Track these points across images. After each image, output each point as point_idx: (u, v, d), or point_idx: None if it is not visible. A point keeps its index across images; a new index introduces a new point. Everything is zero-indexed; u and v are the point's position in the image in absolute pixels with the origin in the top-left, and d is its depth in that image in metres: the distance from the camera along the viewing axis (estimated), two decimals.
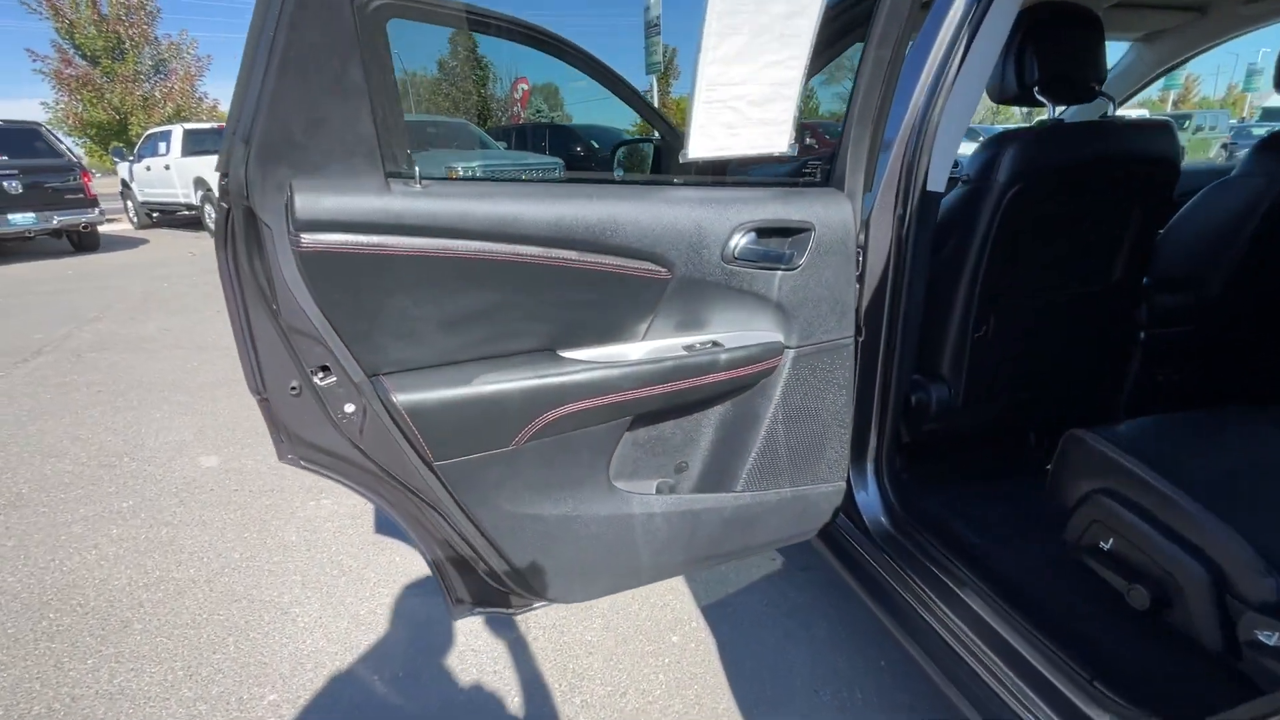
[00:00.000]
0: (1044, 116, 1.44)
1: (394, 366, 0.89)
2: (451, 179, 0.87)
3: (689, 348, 1.05)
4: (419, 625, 1.77)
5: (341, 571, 2.00)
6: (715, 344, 1.07)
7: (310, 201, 0.75)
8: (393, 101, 0.83)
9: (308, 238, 0.75)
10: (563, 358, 0.98)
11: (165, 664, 1.64)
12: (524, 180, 0.91)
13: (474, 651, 1.67)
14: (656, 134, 2.19)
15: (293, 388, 0.90)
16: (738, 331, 1.10)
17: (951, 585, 1.26)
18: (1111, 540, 1.06)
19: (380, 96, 0.80)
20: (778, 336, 1.12)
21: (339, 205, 0.76)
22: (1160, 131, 1.42)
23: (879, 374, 1.36)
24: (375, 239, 0.79)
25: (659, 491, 1.18)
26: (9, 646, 1.69)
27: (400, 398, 0.87)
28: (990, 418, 1.61)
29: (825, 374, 1.18)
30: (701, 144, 1.00)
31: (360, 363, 0.86)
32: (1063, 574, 1.22)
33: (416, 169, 0.83)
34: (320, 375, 0.87)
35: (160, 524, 2.27)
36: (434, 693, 1.56)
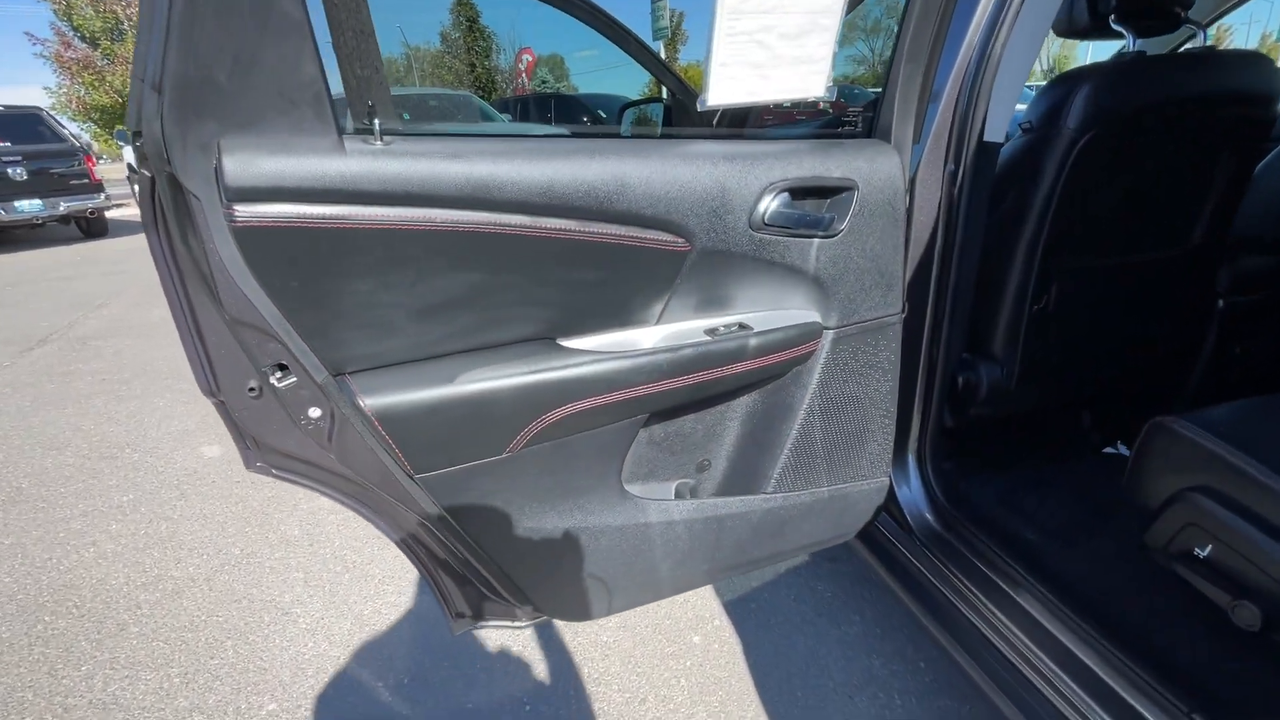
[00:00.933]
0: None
1: (362, 364, 0.75)
2: (420, 135, 0.72)
3: (712, 332, 0.91)
4: (426, 626, 1.67)
5: (345, 568, 1.91)
6: (742, 327, 0.92)
7: (243, 164, 0.61)
8: (350, 38, 0.68)
9: (243, 210, 0.61)
10: (563, 348, 0.84)
11: (161, 670, 1.56)
12: (509, 135, 0.76)
13: (484, 655, 1.58)
14: (666, 93, 2.01)
15: (251, 389, 0.77)
16: (768, 311, 0.95)
17: (1007, 589, 1.12)
18: (1210, 547, 0.91)
19: (336, 27, 0.65)
20: (814, 316, 0.96)
21: (280, 168, 0.62)
22: (1259, 64, 1.22)
23: (924, 354, 1.21)
24: (328, 209, 0.64)
25: (678, 494, 1.04)
26: (3, 652, 1.63)
27: (369, 401, 0.73)
28: (1043, 399, 1.45)
29: (868, 357, 1.03)
30: (723, 89, 0.84)
31: (322, 360, 0.73)
32: (1143, 580, 1.08)
33: (376, 122, 0.68)
34: (278, 375, 0.73)
35: (160, 518, 2.19)
36: (442, 700, 1.46)
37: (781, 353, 0.93)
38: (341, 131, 0.67)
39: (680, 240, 0.84)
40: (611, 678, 1.51)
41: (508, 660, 1.55)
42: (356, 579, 1.86)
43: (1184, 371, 1.54)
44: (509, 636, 1.63)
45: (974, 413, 1.39)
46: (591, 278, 0.82)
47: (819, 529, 1.13)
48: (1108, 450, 1.65)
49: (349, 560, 1.94)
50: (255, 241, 0.63)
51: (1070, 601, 1.03)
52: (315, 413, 0.76)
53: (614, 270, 0.83)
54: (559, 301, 0.82)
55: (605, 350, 0.85)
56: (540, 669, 1.53)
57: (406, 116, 0.78)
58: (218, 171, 0.61)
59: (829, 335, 0.98)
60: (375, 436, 0.75)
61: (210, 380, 0.77)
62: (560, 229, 0.75)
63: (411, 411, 0.75)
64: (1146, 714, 0.85)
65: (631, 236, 0.80)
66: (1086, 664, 0.94)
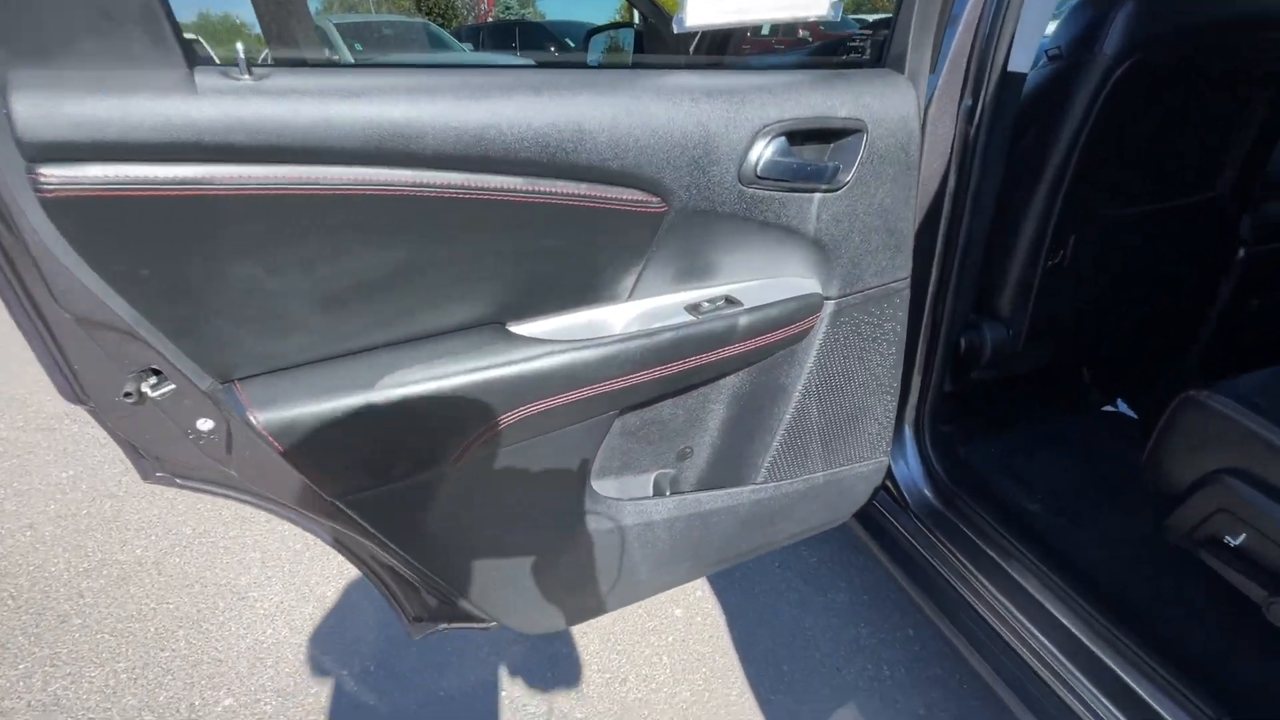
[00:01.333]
0: None
1: (257, 366, 0.60)
2: (307, 66, 0.55)
3: (694, 309, 0.77)
4: (392, 609, 1.58)
5: (305, 546, 1.80)
6: (730, 301, 0.78)
7: (44, 109, 0.43)
8: None
9: (52, 174, 0.45)
10: (515, 336, 0.70)
11: (107, 666, 1.45)
12: (429, 67, 0.58)
13: (455, 637, 1.49)
14: (638, 18, 1.78)
15: (127, 394, 0.61)
16: (759, 281, 0.81)
17: (1010, 570, 1.05)
18: (1244, 536, 0.83)
19: None
20: (813, 285, 0.83)
21: (100, 114, 0.45)
22: None
23: (926, 317, 1.10)
24: (177, 170, 0.48)
25: (657, 486, 0.93)
26: None
27: (264, 416, 0.58)
28: (1048, 359, 1.35)
29: (872, 329, 0.90)
30: (704, 6, 0.67)
31: (203, 364, 0.58)
32: (1158, 563, 1.01)
33: (240, 49, 0.50)
34: (152, 381, 0.58)
35: (103, 496, 2.04)
36: (411, 688, 1.39)
37: (776, 331, 0.80)
38: (193, 61, 0.49)
39: (655, 199, 0.68)
40: (590, 657, 1.44)
41: (481, 644, 1.48)
42: (318, 558, 1.75)
43: (1194, 326, 1.45)
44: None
45: (975, 376, 1.29)
46: (546, 248, 0.67)
47: (812, 516, 1.04)
48: (1107, 409, 1.58)
49: (309, 538, 1.82)
50: (77, 216, 0.47)
51: (1081, 585, 0.96)
52: (206, 425, 0.62)
53: (573, 238, 0.67)
54: (506, 278, 0.67)
55: (566, 338, 0.70)
56: (515, 651, 1.46)
57: (359, 47, 0.60)
58: (9, 119, 0.43)
59: (829, 306, 0.85)
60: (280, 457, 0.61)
61: (73, 385, 0.62)
62: (502, 189, 0.60)
63: (322, 425, 0.61)
64: (1168, 716, 0.78)
65: (594, 196, 0.65)
66: (1100, 657, 0.88)
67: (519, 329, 0.70)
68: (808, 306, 0.82)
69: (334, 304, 0.59)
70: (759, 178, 0.72)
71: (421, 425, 0.65)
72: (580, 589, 0.90)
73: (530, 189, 0.61)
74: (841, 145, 0.78)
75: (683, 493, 0.95)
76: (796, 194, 0.76)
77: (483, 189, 0.59)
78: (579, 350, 0.69)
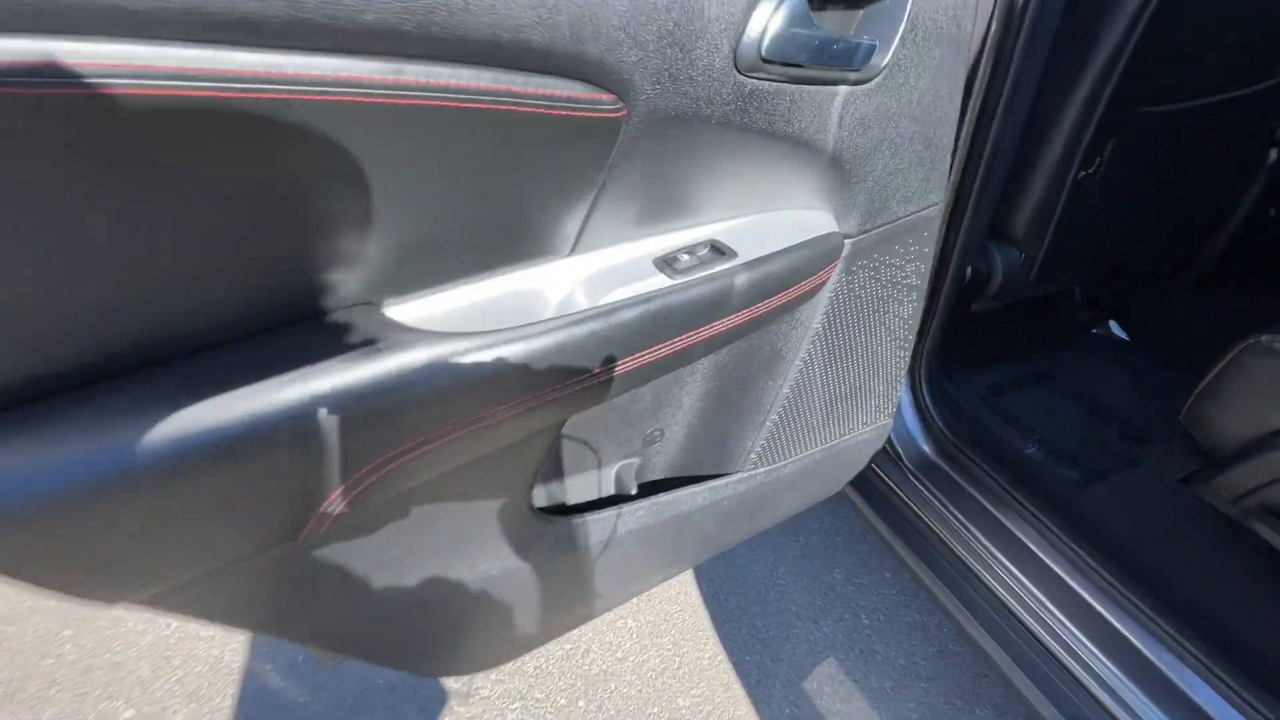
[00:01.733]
0: None
1: None
2: None
3: (669, 263, 0.53)
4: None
5: None
6: (716, 249, 0.55)
7: None
8: None
9: None
10: (393, 324, 0.45)
11: None
12: None
13: None
14: None
15: None
16: (755, 215, 0.58)
17: (1016, 531, 0.93)
18: None
19: None
20: (827, 220, 0.60)
21: None
22: None
23: (937, 243, 0.90)
24: None
25: (620, 481, 0.73)
26: None
27: None
28: (1057, 285, 1.19)
29: (893, 272, 0.70)
30: None
31: None
32: (1188, 525, 0.91)
33: None
34: None
35: None
36: (346, 679, 1.23)
37: (787, 291, 0.58)
38: None
39: (606, 97, 0.43)
40: None
41: None
42: None
43: (1208, 237, 1.31)
44: None
45: (977, 308, 1.13)
46: (432, 179, 0.41)
47: (804, 495, 0.88)
48: (1096, 331, 1.47)
49: None
50: None
51: (1101, 552, 0.85)
52: None
53: (478, 161, 0.42)
54: (371, 232, 0.41)
55: (478, 327, 0.46)
56: None
57: None
58: None
59: (847, 246, 0.63)
60: None
61: None
62: (347, 80, 0.34)
63: (56, 506, 0.36)
64: (1213, 714, 0.69)
65: (506, 93, 0.39)
66: (1128, 639, 0.77)
67: (399, 313, 0.45)
68: (827, 251, 0.59)
69: (52, 292, 0.33)
70: (764, 61, 0.47)
71: (240, 489, 0.41)
72: (528, 624, 0.73)
73: (395, 81, 0.35)
74: (875, 12, 0.53)
75: (652, 480, 0.76)
76: (813, 87, 0.51)
77: (309, 81, 0.33)
78: (498, 345, 0.45)
